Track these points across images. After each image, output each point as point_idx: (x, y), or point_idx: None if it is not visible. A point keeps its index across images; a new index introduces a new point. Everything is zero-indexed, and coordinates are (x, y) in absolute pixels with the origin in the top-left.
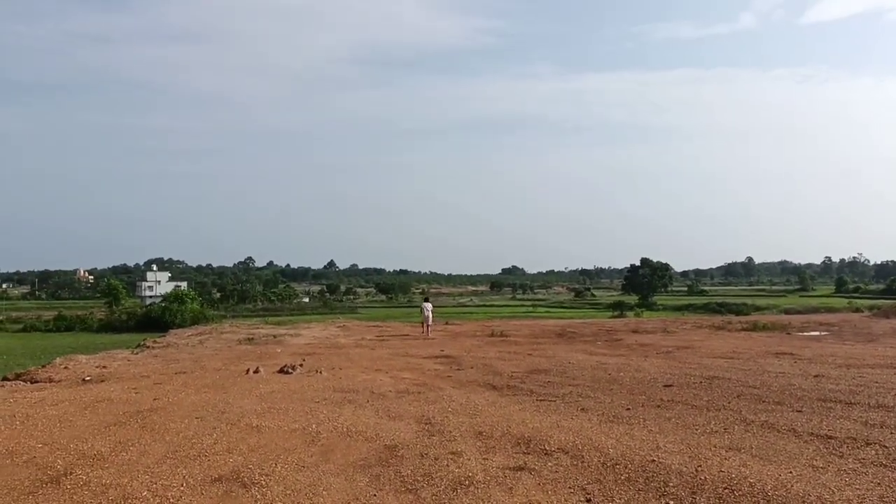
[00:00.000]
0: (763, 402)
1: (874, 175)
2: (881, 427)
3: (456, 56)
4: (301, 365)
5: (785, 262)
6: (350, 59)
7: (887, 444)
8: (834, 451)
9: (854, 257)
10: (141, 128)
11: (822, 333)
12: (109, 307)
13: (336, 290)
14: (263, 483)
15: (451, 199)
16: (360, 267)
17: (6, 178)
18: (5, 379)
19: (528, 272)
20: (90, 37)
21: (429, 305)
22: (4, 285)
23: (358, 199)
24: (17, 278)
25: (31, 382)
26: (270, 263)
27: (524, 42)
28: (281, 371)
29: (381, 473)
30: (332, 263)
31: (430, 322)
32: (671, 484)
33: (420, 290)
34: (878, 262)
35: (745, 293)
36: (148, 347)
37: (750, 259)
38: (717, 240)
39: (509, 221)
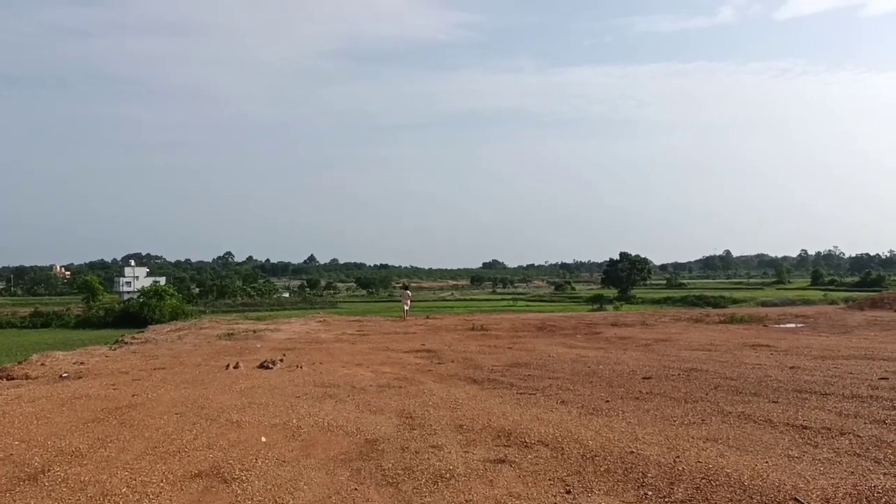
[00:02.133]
0: (740, 393)
1: (850, 169)
2: (855, 417)
3: (437, 50)
4: (281, 360)
5: (762, 255)
6: (330, 53)
7: (861, 434)
8: (809, 441)
9: (829, 250)
10: (118, 121)
11: (798, 325)
12: (86, 303)
13: (316, 284)
14: (244, 478)
15: (432, 193)
16: (341, 261)
17: None
18: None
19: (509, 266)
20: (68, 29)
21: (408, 293)
22: None
23: (338, 193)
24: None
25: (7, 379)
26: (250, 258)
27: (505, 36)
28: (261, 366)
29: (362, 467)
30: (312, 258)
31: (408, 307)
32: (650, 475)
33: (400, 284)
34: (853, 255)
35: (722, 286)
36: (126, 343)
37: (728, 252)
38: (696, 233)
39: (490, 215)
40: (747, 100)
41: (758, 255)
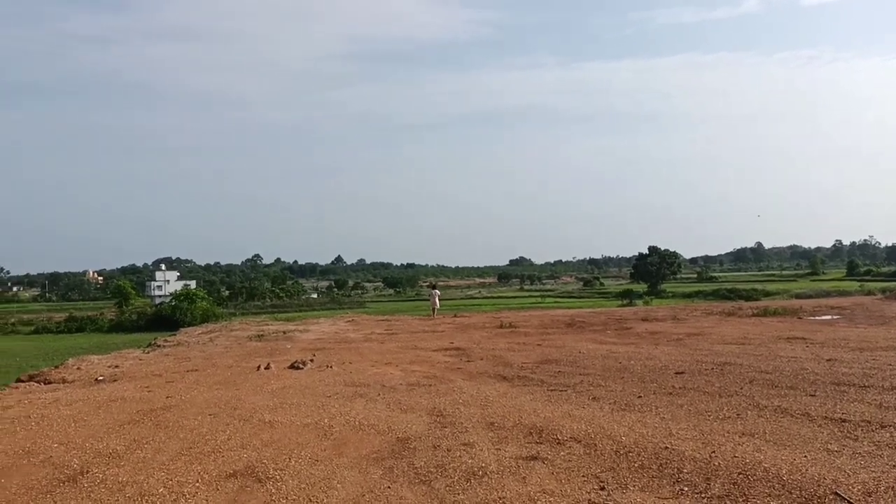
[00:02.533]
0: (776, 387)
1: (884, 156)
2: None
3: (456, 49)
4: (311, 360)
5: (795, 246)
6: (348, 55)
7: None
8: (848, 435)
9: (865, 240)
10: (142, 127)
11: (834, 317)
12: (119, 307)
13: (344, 285)
14: (278, 477)
15: (456, 192)
16: (368, 262)
17: (12, 182)
18: (19, 380)
19: (536, 262)
20: (89, 38)
21: (437, 292)
22: (15, 288)
23: (363, 194)
24: (28, 281)
25: (45, 383)
26: (278, 260)
27: (524, 32)
28: (292, 367)
29: (395, 465)
30: (339, 259)
31: (437, 305)
32: (685, 470)
33: (427, 283)
34: (889, 245)
35: (755, 279)
36: (159, 346)
37: (759, 244)
38: (726, 226)
39: (516, 212)
40: (774, 89)
41: (790, 247)
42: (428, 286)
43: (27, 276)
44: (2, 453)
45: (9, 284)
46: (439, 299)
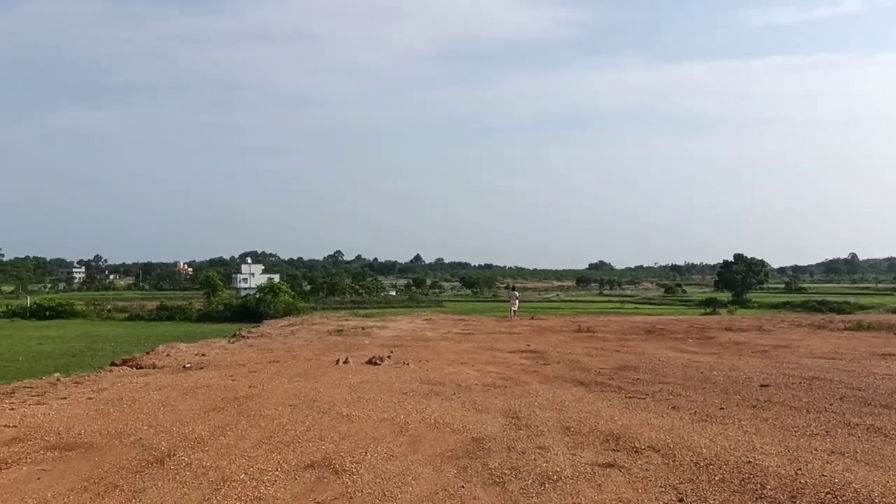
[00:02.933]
0: (868, 404)
1: None
2: None
3: (540, 49)
4: (389, 356)
5: (892, 258)
6: (434, 57)
7: None
8: None
9: None
10: (233, 126)
11: None
12: (207, 298)
13: (422, 283)
14: (354, 470)
15: (535, 195)
16: (446, 261)
17: (111, 177)
18: (113, 364)
19: (616, 267)
20: (189, 39)
21: (516, 294)
22: (111, 276)
23: (442, 194)
24: (123, 270)
25: (137, 368)
26: (358, 257)
27: (611, 32)
28: (369, 362)
29: (469, 465)
30: (418, 258)
31: (516, 307)
32: (769, 486)
33: (506, 285)
34: None
35: (847, 291)
36: (243, 337)
37: (853, 255)
38: (818, 235)
39: (597, 216)
40: (874, 93)
41: (888, 259)
42: (507, 288)
43: (123, 265)
44: (96, 433)
45: (106, 272)
46: (518, 301)
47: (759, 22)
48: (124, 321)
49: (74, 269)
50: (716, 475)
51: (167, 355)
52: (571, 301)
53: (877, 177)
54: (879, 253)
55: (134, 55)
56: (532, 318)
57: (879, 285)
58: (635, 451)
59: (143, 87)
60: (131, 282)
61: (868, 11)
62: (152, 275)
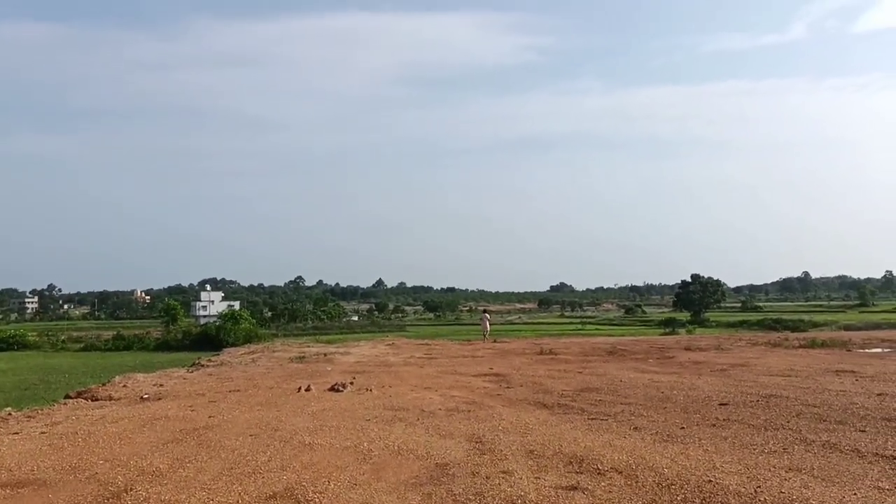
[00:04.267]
0: (824, 421)
1: None
2: None
3: (502, 74)
4: (351, 383)
5: (843, 276)
6: (397, 80)
7: None
8: None
9: None
10: (192, 151)
11: (885, 350)
12: (166, 326)
13: (384, 308)
14: (317, 500)
15: (500, 217)
16: (409, 285)
17: (65, 203)
18: (67, 397)
19: (577, 289)
20: (147, 64)
21: (488, 315)
22: (66, 306)
23: (405, 217)
24: (78, 299)
25: (92, 400)
26: (320, 282)
27: (571, 58)
28: (332, 389)
29: (433, 492)
30: (380, 282)
31: (488, 329)
32: None
33: (468, 308)
34: None
35: (801, 309)
36: (203, 366)
37: (806, 274)
38: (772, 254)
39: (558, 238)
40: (823, 117)
41: (839, 277)
42: (481, 310)
43: (77, 294)
44: (49, 469)
45: (60, 302)
46: (490, 323)
47: (711, 48)
48: (79, 352)
49: (27, 300)
50: (677, 495)
51: (124, 386)
52: (533, 323)
53: (826, 198)
54: (831, 271)
55: (91, 80)
56: (494, 341)
57: (832, 302)
58: (598, 473)
59: (100, 112)
60: (87, 311)
61: (813, 39)
62: (108, 304)
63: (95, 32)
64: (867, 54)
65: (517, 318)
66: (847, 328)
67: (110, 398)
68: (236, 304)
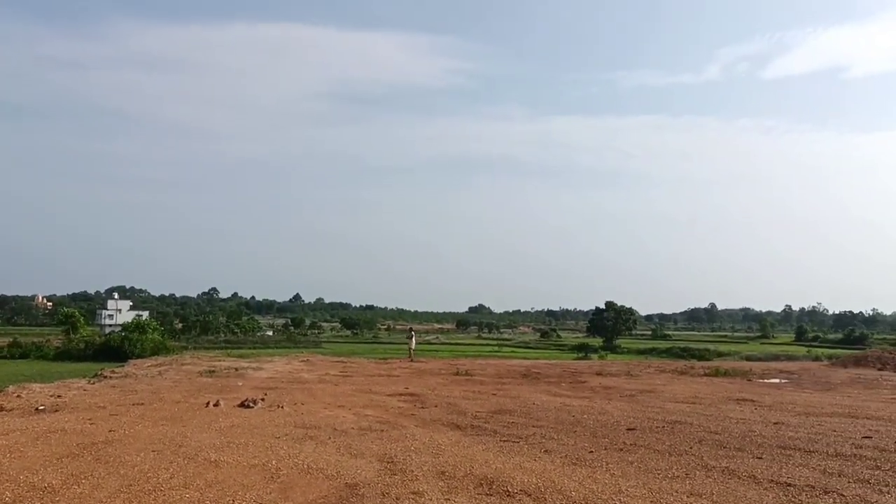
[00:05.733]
0: (724, 447)
1: (834, 226)
2: (839, 476)
3: (429, 96)
4: (262, 399)
5: (747, 309)
6: (323, 95)
7: (845, 493)
8: (793, 499)
9: (814, 306)
10: (108, 154)
11: (782, 381)
12: (67, 335)
13: (301, 323)
14: None
15: (420, 237)
16: (327, 301)
17: None
18: None
19: (495, 311)
20: (63, 62)
21: (414, 335)
22: None
23: (326, 233)
24: None
25: None
26: (235, 295)
27: (497, 84)
28: (242, 405)
29: None
30: (297, 297)
31: (414, 347)
32: None
33: (386, 326)
34: (837, 312)
35: (707, 339)
36: (105, 377)
37: (713, 305)
38: (682, 285)
39: (477, 260)
40: (734, 155)
41: (742, 309)
42: (408, 329)
43: None
44: None
45: None
46: (415, 342)
47: (630, 83)
48: None
49: None
50: None
51: (18, 396)
52: (451, 344)
53: (734, 232)
54: (735, 303)
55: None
56: (412, 361)
57: (735, 333)
58: (508, 495)
59: (4, 106)
60: None
61: (727, 81)
62: (5, 308)
63: (5, 24)
64: (775, 99)
65: (435, 339)
66: (748, 358)
67: (1, 409)
68: (145, 314)
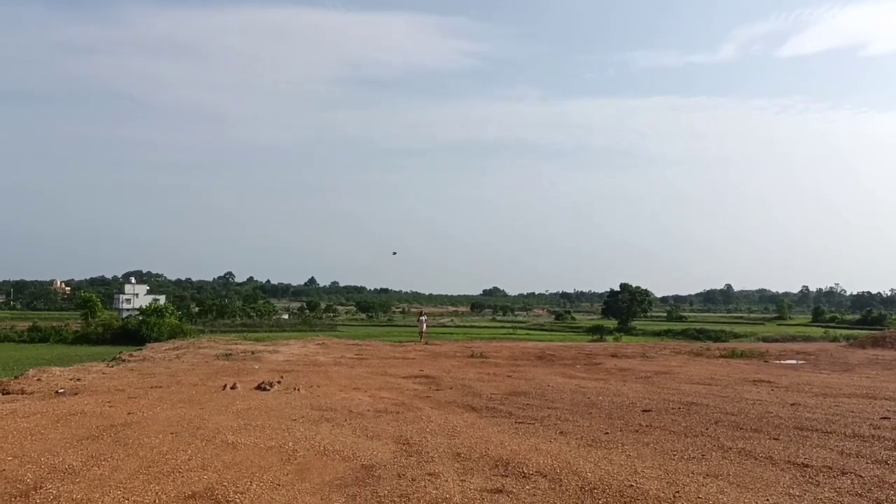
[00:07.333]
0: (740, 429)
1: (852, 206)
2: (857, 457)
3: (442, 78)
4: (279, 382)
5: (763, 290)
6: (335, 79)
7: (863, 474)
8: (810, 480)
9: (831, 287)
10: (123, 140)
11: (799, 362)
12: (85, 319)
13: (316, 307)
14: (238, 501)
15: (434, 219)
16: (342, 284)
17: None
18: None
19: (509, 294)
20: (74, 47)
21: (425, 318)
22: None
23: (340, 216)
24: None
25: (3, 394)
26: (250, 279)
27: (509, 66)
28: (258, 388)
29: (358, 493)
30: (312, 280)
31: (425, 330)
32: None
33: (401, 309)
34: (855, 293)
35: (723, 320)
36: (124, 361)
37: (729, 286)
38: (697, 266)
39: (491, 243)
40: (749, 135)
41: (759, 290)
42: (419, 313)
43: None
44: None
45: None
46: (427, 325)
47: (644, 64)
48: None
49: None
50: (599, 499)
51: (38, 380)
52: (465, 326)
53: (750, 213)
54: (752, 284)
55: (12, 61)
56: (426, 344)
57: (752, 315)
58: (523, 477)
59: (20, 93)
60: (1, 300)
61: (741, 60)
62: (25, 293)
63: (12, 9)
64: (791, 78)
65: (449, 321)
66: (765, 340)
67: (23, 392)
68: (162, 299)
